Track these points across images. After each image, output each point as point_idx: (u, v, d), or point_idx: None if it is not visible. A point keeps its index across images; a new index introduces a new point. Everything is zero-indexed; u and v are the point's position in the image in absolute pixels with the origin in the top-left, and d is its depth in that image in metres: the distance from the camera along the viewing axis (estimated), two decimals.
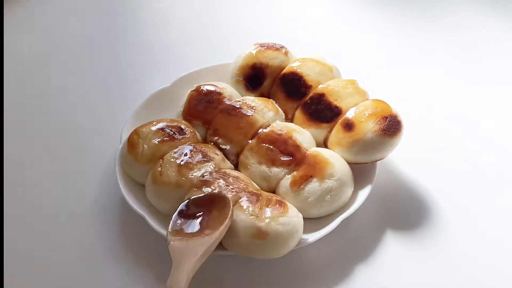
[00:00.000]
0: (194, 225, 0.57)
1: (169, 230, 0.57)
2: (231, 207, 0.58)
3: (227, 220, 0.57)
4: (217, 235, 0.56)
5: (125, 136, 0.70)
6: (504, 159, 0.73)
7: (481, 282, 0.61)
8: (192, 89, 0.73)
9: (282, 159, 0.65)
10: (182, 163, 0.64)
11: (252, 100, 0.71)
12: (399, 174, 0.71)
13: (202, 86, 0.73)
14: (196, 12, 1.01)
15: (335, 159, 0.65)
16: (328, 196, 0.63)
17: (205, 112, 0.71)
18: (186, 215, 0.58)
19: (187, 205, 0.59)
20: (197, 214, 0.58)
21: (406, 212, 0.67)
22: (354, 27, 0.97)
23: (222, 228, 0.56)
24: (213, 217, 0.58)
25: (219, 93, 0.72)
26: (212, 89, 0.73)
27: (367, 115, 0.67)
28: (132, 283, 0.62)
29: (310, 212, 0.63)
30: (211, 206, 0.59)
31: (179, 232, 0.57)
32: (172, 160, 0.65)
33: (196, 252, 0.54)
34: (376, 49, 0.92)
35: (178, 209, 0.59)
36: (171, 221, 0.58)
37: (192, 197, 0.60)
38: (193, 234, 0.56)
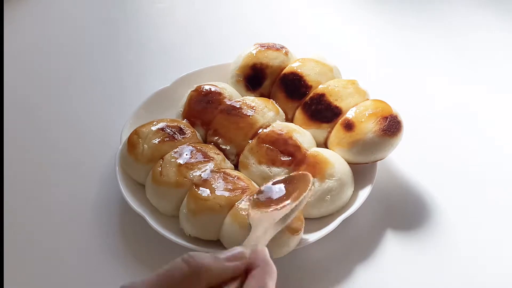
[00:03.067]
0: (274, 195, 0.58)
1: (250, 200, 0.58)
2: (311, 180, 0.58)
3: (307, 191, 0.57)
4: (297, 203, 0.55)
5: (125, 136, 0.70)
6: (504, 159, 0.74)
7: (481, 282, 0.61)
8: (192, 89, 0.73)
9: (282, 159, 0.65)
10: (182, 163, 0.65)
11: (252, 100, 0.71)
12: (399, 174, 0.71)
13: (202, 86, 0.73)
14: (196, 12, 1.01)
15: (335, 159, 0.65)
16: (328, 196, 0.63)
17: (205, 112, 0.71)
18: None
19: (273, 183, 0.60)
20: (278, 188, 0.59)
21: (406, 212, 0.67)
22: (354, 27, 0.97)
23: (302, 198, 0.56)
24: (293, 189, 0.58)
25: (219, 93, 0.72)
26: (212, 89, 0.73)
27: (367, 115, 0.67)
28: None
29: (310, 212, 0.63)
30: (292, 182, 0.59)
31: (257, 204, 0.57)
32: (172, 160, 0.65)
33: (274, 218, 0.54)
34: (376, 49, 0.92)
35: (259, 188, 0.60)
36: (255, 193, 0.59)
37: (275, 180, 0.60)
38: (271, 202, 0.56)
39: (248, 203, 0.59)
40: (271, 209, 0.56)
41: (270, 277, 0.42)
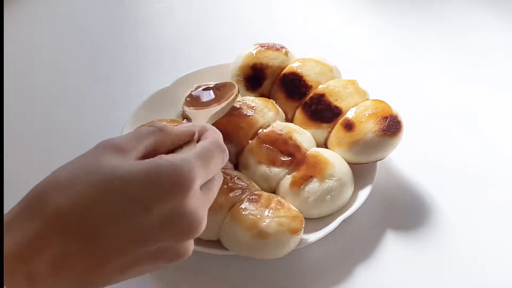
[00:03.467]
0: (205, 97, 0.69)
1: (183, 100, 0.69)
2: (237, 87, 0.69)
3: (234, 94, 0.67)
4: (228, 100, 0.66)
5: None
6: (504, 159, 0.74)
7: (481, 282, 0.61)
8: (192, 89, 0.73)
9: (282, 159, 0.65)
10: None
11: (252, 100, 0.71)
12: (399, 174, 0.71)
13: (201, 86, 0.73)
14: (196, 12, 1.01)
15: (335, 159, 0.65)
16: (328, 196, 0.63)
17: None
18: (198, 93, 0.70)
19: (196, 89, 0.71)
20: (207, 92, 0.70)
21: (406, 212, 0.67)
22: (355, 27, 0.97)
23: (232, 98, 0.66)
24: (221, 94, 0.68)
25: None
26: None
27: (367, 115, 0.67)
28: (132, 282, 0.62)
29: (310, 212, 0.63)
30: (219, 89, 0.69)
31: (191, 102, 0.69)
32: None
33: (206, 114, 0.63)
34: (376, 49, 0.92)
35: (189, 91, 0.71)
36: (184, 96, 0.70)
37: (205, 86, 0.71)
38: (204, 104, 0.67)
39: (183, 102, 0.70)
40: (203, 107, 0.66)
41: (220, 136, 0.49)
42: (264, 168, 0.65)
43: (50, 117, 0.81)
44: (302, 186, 0.63)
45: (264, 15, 1.00)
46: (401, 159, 0.71)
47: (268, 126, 0.68)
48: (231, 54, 0.78)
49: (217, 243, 0.61)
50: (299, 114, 0.71)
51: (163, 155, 0.43)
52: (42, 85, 0.87)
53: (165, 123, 0.47)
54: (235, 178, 0.63)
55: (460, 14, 0.98)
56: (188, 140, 0.48)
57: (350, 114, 0.68)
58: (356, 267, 0.62)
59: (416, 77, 0.86)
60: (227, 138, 0.68)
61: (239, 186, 0.62)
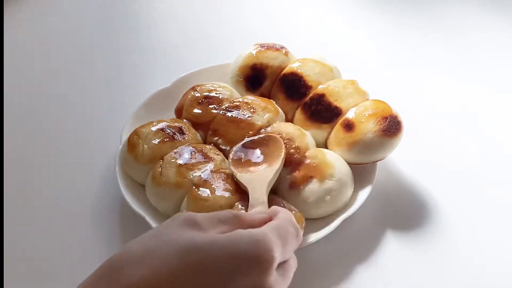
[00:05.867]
0: (254, 156, 0.64)
1: (231, 158, 0.64)
2: (283, 143, 0.64)
3: (283, 153, 0.63)
4: (280, 163, 0.62)
5: (125, 137, 0.70)
6: (504, 159, 0.73)
7: (481, 282, 0.61)
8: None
9: None
10: (182, 163, 0.65)
11: (252, 100, 0.71)
12: (399, 174, 0.71)
13: (201, 86, 0.73)
14: (196, 12, 1.01)
15: (335, 160, 0.65)
16: (328, 197, 0.63)
17: (205, 112, 0.71)
18: (245, 147, 0.65)
19: (243, 144, 0.65)
20: (253, 149, 0.64)
21: (406, 212, 0.67)
22: (354, 27, 0.97)
23: (282, 159, 0.62)
24: (269, 152, 0.64)
25: (219, 94, 0.72)
26: (212, 89, 0.73)
27: (367, 115, 0.67)
28: None
29: (310, 213, 0.63)
30: (264, 144, 0.65)
31: (238, 162, 0.63)
32: (172, 160, 0.65)
33: (267, 176, 0.60)
34: (376, 49, 0.92)
35: (237, 145, 0.65)
36: (232, 151, 0.65)
37: (247, 139, 0.66)
38: (255, 164, 0.62)
39: (230, 160, 0.64)
40: (256, 168, 0.62)
41: (293, 217, 0.47)
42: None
43: (50, 117, 0.82)
44: (302, 187, 0.63)
45: (264, 15, 1.00)
46: (401, 159, 0.71)
47: (268, 126, 0.68)
48: (231, 54, 0.78)
49: None
50: (299, 114, 0.71)
51: (240, 229, 0.42)
52: (42, 85, 0.87)
53: (241, 211, 0.47)
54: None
55: (460, 14, 0.98)
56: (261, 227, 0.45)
57: (350, 114, 0.68)
58: (356, 267, 0.62)
59: (416, 77, 0.86)
60: (227, 138, 0.69)
61: (239, 186, 0.62)
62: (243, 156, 0.64)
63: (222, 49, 0.91)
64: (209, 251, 0.39)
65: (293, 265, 0.46)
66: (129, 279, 0.38)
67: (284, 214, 0.46)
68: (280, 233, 0.43)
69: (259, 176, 0.60)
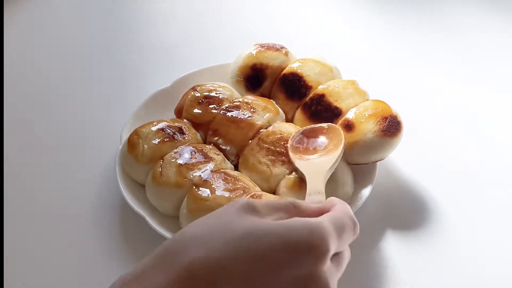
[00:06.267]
0: (314, 144, 0.63)
1: (289, 144, 0.64)
2: (342, 133, 0.63)
3: (342, 143, 0.62)
4: (339, 152, 0.61)
5: (125, 137, 0.70)
6: (504, 159, 0.74)
7: (481, 282, 0.61)
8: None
9: (283, 159, 0.65)
10: (182, 163, 0.65)
11: (252, 100, 0.71)
12: (399, 174, 0.71)
13: (201, 86, 0.73)
14: (197, 12, 1.01)
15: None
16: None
17: (205, 112, 0.71)
18: (305, 135, 0.64)
19: (303, 132, 0.65)
20: (314, 138, 0.64)
21: (406, 212, 0.67)
22: (354, 27, 0.97)
23: (341, 148, 0.61)
24: (328, 141, 0.63)
25: (219, 94, 0.72)
26: (212, 89, 0.73)
27: (367, 115, 0.67)
28: None
29: None
30: (324, 133, 0.64)
31: (298, 149, 0.63)
32: (172, 160, 0.65)
33: (325, 167, 0.59)
34: (376, 49, 0.92)
35: (297, 132, 0.65)
36: (291, 138, 0.64)
37: (306, 127, 0.66)
38: (313, 152, 0.62)
39: (289, 146, 0.64)
40: (315, 157, 0.61)
41: (350, 209, 0.47)
42: (264, 169, 0.65)
43: (50, 117, 0.82)
44: (302, 187, 0.63)
45: (264, 15, 1.00)
46: (401, 159, 0.71)
47: (268, 126, 0.69)
48: (231, 54, 0.78)
49: None
50: (299, 114, 0.71)
51: (297, 217, 0.42)
52: (42, 85, 0.87)
53: (297, 200, 0.46)
54: (236, 178, 0.63)
55: (460, 14, 0.98)
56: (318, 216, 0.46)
57: (350, 115, 0.68)
58: (356, 267, 0.62)
59: (416, 77, 0.86)
60: (227, 138, 0.69)
61: (240, 186, 0.62)
62: (303, 144, 0.64)
63: (222, 49, 0.91)
64: (265, 239, 0.40)
65: (347, 256, 0.46)
66: (188, 260, 0.39)
67: (341, 206, 0.46)
68: (337, 224, 0.43)
69: (318, 165, 0.60)
